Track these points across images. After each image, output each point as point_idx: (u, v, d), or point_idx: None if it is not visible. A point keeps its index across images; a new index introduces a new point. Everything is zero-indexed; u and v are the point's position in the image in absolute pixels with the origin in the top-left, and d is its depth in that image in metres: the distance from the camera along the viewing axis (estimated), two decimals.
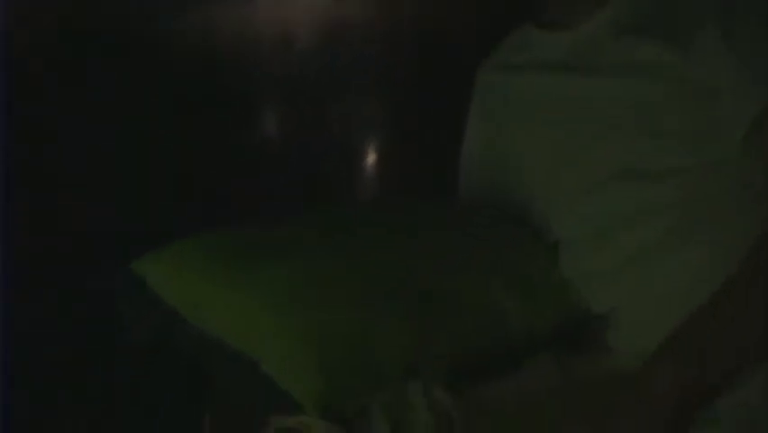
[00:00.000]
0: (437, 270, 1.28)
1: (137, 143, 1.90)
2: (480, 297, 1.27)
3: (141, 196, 1.89)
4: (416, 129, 1.97)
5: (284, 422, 1.14)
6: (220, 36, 1.91)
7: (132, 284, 1.29)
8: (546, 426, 1.20)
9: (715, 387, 1.19)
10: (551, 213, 1.39)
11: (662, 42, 1.31)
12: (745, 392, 1.20)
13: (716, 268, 1.23)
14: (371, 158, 2.00)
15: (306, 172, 1.97)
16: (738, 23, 1.29)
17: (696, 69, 1.29)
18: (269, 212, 1.39)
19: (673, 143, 1.30)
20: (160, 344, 1.31)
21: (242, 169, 1.95)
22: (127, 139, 1.90)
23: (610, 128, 1.35)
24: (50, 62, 1.88)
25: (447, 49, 1.92)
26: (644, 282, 1.30)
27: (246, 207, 1.86)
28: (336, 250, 1.27)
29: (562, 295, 1.34)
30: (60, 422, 1.78)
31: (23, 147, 1.81)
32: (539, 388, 1.22)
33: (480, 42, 1.59)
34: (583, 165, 1.36)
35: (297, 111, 1.99)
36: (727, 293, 1.21)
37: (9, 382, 1.70)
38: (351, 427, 1.14)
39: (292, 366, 1.15)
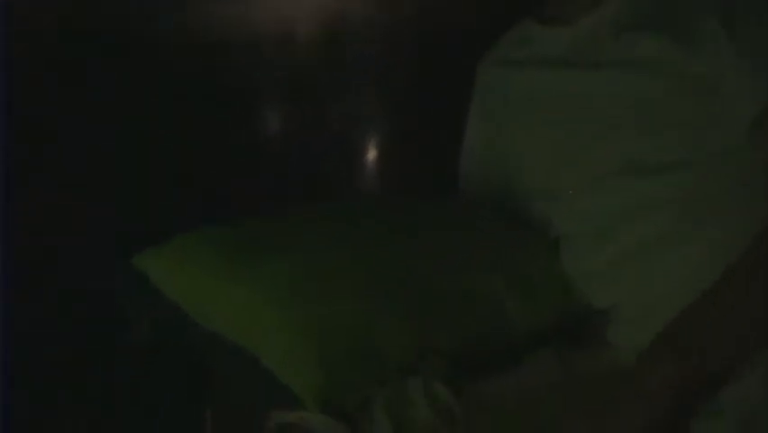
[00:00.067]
0: (438, 266, 1.29)
1: (137, 143, 1.89)
2: (481, 294, 1.28)
3: (141, 196, 1.89)
4: (416, 129, 1.97)
5: (284, 417, 1.15)
6: (220, 36, 1.91)
7: (132, 282, 1.30)
8: (547, 421, 1.20)
9: (716, 377, 1.19)
10: (551, 209, 1.39)
11: (663, 38, 1.32)
12: (746, 384, 1.20)
13: (716, 263, 1.23)
14: (371, 158, 2.00)
15: (306, 172, 1.97)
16: (739, 18, 1.29)
17: (696, 65, 1.29)
18: (269, 212, 1.39)
19: (674, 139, 1.30)
20: (161, 341, 1.32)
21: (241, 168, 1.95)
22: (127, 139, 1.90)
23: (610, 124, 1.35)
24: (50, 62, 1.88)
25: (447, 49, 1.92)
26: (644, 278, 1.30)
27: (246, 207, 1.85)
28: (338, 245, 1.27)
29: (563, 291, 1.34)
30: (60, 422, 1.77)
31: (23, 147, 1.81)
32: (539, 384, 1.22)
33: (481, 42, 1.59)
34: (583, 161, 1.36)
35: (297, 111, 1.99)
36: (727, 282, 1.21)
37: (9, 382, 1.70)
38: (351, 422, 1.14)
39: (292, 361, 1.16)
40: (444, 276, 1.28)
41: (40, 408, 1.78)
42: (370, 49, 1.96)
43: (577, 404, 1.21)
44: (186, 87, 1.92)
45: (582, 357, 1.27)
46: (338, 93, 1.99)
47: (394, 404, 1.15)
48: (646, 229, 1.31)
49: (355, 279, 1.23)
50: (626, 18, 1.37)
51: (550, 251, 1.38)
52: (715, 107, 1.29)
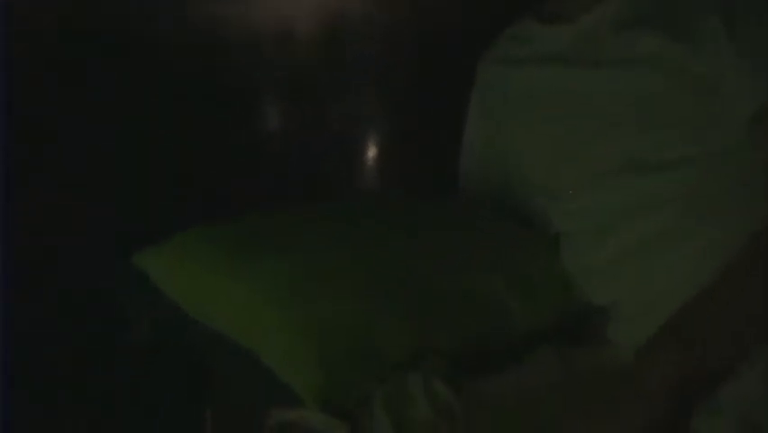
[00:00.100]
0: (438, 265, 1.29)
1: (137, 143, 1.89)
2: (481, 293, 1.28)
3: (141, 196, 1.89)
4: (416, 129, 1.97)
5: (285, 416, 1.14)
6: (220, 36, 1.91)
7: (132, 282, 1.29)
8: (547, 420, 1.19)
9: (715, 373, 1.19)
10: (551, 207, 1.39)
11: (663, 35, 1.32)
12: (745, 382, 1.20)
13: (715, 261, 1.23)
14: (371, 158, 2.00)
15: (306, 172, 1.97)
16: (739, 15, 1.29)
17: (697, 62, 1.30)
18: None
19: (674, 136, 1.30)
20: (161, 341, 1.31)
21: (241, 168, 1.95)
22: (127, 139, 1.90)
23: (610, 122, 1.35)
24: (50, 62, 1.88)
25: (447, 49, 1.92)
26: (644, 275, 1.31)
27: (246, 207, 1.85)
28: (338, 244, 1.27)
29: (563, 290, 1.34)
30: (60, 422, 1.77)
31: (23, 147, 1.80)
32: (539, 382, 1.22)
33: (480, 42, 1.59)
34: (583, 158, 1.36)
35: (297, 110, 1.98)
36: (726, 278, 1.21)
37: (9, 382, 1.70)
38: (351, 420, 1.14)
39: (293, 359, 1.16)
40: (444, 276, 1.28)
41: (40, 408, 1.78)
42: (370, 49, 1.96)
43: (577, 403, 1.21)
44: (186, 87, 1.92)
45: (582, 355, 1.27)
46: (338, 93, 1.98)
47: (394, 402, 1.15)
48: (646, 227, 1.31)
49: (355, 278, 1.23)
50: (626, 16, 1.37)
51: (550, 250, 1.38)
52: (715, 107, 1.29)
